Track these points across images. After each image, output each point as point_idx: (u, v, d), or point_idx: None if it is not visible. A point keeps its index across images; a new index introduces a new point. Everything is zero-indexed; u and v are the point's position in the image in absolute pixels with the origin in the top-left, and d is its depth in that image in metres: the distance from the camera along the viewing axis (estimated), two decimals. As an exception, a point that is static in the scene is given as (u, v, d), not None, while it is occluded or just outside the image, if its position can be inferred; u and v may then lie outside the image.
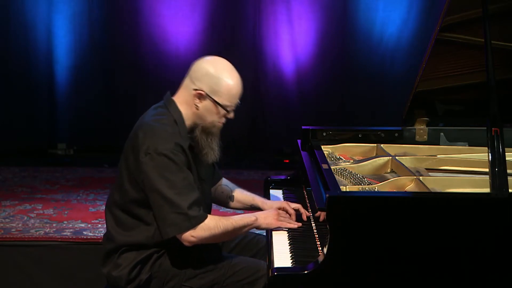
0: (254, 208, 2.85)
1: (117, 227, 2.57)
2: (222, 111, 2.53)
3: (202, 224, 2.43)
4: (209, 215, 2.49)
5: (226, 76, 2.52)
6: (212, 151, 2.57)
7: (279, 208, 2.73)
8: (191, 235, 2.42)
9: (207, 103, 2.52)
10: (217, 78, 2.50)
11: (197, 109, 2.53)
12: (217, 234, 2.46)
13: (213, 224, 2.45)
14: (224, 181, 2.96)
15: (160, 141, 2.43)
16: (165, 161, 2.41)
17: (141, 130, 2.49)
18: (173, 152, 2.42)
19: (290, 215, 2.70)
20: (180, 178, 2.42)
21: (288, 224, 2.60)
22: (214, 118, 2.54)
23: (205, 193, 2.67)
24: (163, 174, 2.41)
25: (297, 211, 2.74)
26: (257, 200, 2.88)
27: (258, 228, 2.61)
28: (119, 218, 2.57)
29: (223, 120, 2.57)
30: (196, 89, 2.51)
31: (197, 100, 2.52)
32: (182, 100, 2.56)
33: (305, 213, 2.72)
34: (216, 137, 2.58)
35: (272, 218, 2.60)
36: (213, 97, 2.50)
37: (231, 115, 2.57)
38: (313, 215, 2.69)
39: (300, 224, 2.63)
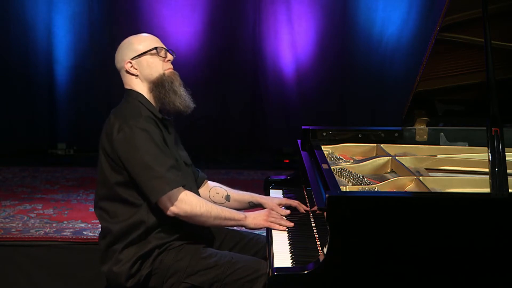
0: (254, 206, 2.87)
1: (110, 219, 2.60)
2: (155, 56, 2.65)
3: (185, 197, 2.48)
4: (194, 194, 2.55)
5: (132, 38, 2.72)
6: (179, 97, 2.66)
7: (278, 204, 2.78)
8: (174, 206, 2.47)
9: (138, 63, 2.66)
10: (127, 43, 2.70)
11: (138, 76, 2.66)
12: (198, 212, 2.51)
13: (196, 201, 2.52)
14: (212, 183, 2.98)
15: (129, 117, 2.54)
16: (137, 132, 2.49)
17: (111, 115, 2.62)
18: (143, 123, 2.51)
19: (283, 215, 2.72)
20: (154, 145, 2.50)
21: (277, 226, 2.61)
22: (157, 68, 2.66)
23: (188, 174, 2.73)
24: (137, 145, 2.48)
25: (295, 208, 2.77)
26: (256, 196, 2.90)
27: (246, 227, 2.65)
28: (109, 209, 2.60)
29: (168, 65, 2.68)
30: (125, 64, 2.67)
31: (133, 70, 2.66)
32: (130, 83, 2.69)
33: (302, 209, 2.76)
34: (173, 82, 2.66)
35: (261, 219, 2.63)
36: (136, 55, 2.65)
37: (168, 56, 2.69)
38: (313, 215, 2.69)
39: (291, 224, 2.62)
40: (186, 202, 2.49)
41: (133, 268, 2.53)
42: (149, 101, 2.65)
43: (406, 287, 2.07)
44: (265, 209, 2.73)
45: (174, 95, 2.64)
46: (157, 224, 2.56)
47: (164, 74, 2.65)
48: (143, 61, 2.66)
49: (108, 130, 2.56)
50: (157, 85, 2.64)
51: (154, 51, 2.66)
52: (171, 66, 2.70)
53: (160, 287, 2.56)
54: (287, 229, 2.59)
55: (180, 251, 2.57)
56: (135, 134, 2.49)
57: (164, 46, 2.70)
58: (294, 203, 2.82)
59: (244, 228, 2.69)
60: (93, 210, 4.60)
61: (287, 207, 2.81)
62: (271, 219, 2.63)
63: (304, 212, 2.75)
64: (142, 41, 2.68)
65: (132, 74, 2.66)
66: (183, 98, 2.66)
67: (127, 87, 2.70)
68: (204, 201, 2.57)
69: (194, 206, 2.50)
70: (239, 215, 2.61)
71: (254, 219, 2.62)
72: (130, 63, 2.66)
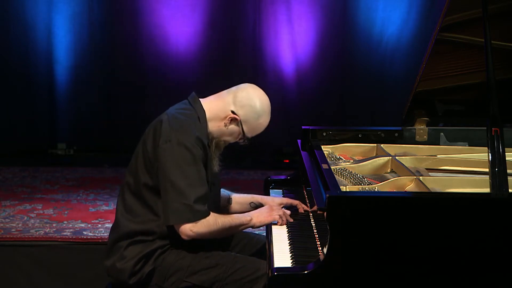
0: (255, 207, 2.88)
1: (126, 213, 2.61)
2: (240, 137, 2.65)
3: (203, 220, 2.48)
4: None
5: (263, 116, 2.64)
6: (215, 162, 2.66)
7: (279, 204, 2.80)
8: (190, 229, 2.47)
9: (235, 127, 2.62)
10: (257, 115, 2.62)
11: (225, 127, 2.62)
12: (215, 231, 2.52)
13: (212, 221, 2.51)
14: None
15: (182, 132, 2.51)
16: (183, 152, 2.47)
17: (165, 118, 2.57)
18: (192, 144, 2.49)
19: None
20: (194, 170, 2.49)
21: (277, 217, 2.65)
22: (231, 140, 2.67)
23: (215, 195, 2.73)
24: (179, 164, 2.47)
25: (295, 209, 2.80)
26: (257, 197, 2.94)
27: (253, 227, 2.66)
28: (129, 203, 2.61)
29: (234, 141, 2.69)
30: (234, 112, 2.60)
31: (228, 121, 2.61)
32: (212, 108, 2.64)
33: (302, 208, 2.79)
34: (220, 150, 2.68)
35: (264, 216, 2.65)
36: (243, 125, 2.61)
37: (244, 141, 2.69)
38: (313, 215, 2.69)
39: (290, 219, 2.67)
40: (204, 224, 2.49)
41: (136, 266, 2.54)
42: (206, 122, 2.62)
43: (406, 286, 2.07)
44: (266, 206, 2.75)
45: (214, 160, 2.65)
46: (167, 234, 2.57)
47: (225, 144, 2.67)
48: (237, 130, 2.63)
49: (157, 131, 2.54)
50: (216, 143, 2.64)
51: (245, 136, 2.65)
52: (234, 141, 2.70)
53: (161, 285, 2.57)
54: (287, 229, 2.60)
55: (183, 250, 2.59)
56: (181, 152, 2.47)
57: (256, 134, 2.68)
58: (295, 202, 2.84)
59: (251, 228, 2.70)
60: (93, 210, 4.66)
61: (288, 207, 2.81)
62: (273, 214, 2.65)
63: (304, 212, 2.75)
64: (255, 129, 2.65)
65: (224, 118, 2.61)
66: (217, 165, 2.67)
67: (204, 99, 2.67)
68: (217, 216, 2.56)
69: (211, 226, 2.51)
70: (245, 218, 2.62)
71: (258, 217, 2.65)
72: (236, 120, 2.61)
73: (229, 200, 2.94)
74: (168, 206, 2.47)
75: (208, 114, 2.63)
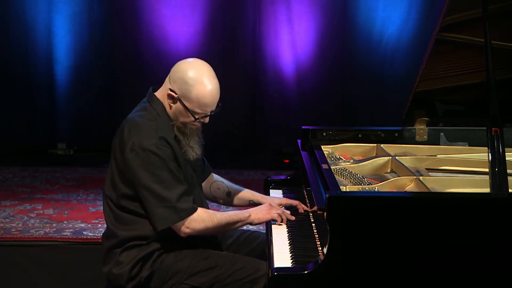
0: (253, 205, 2.88)
1: (116, 223, 2.59)
2: (195, 115, 2.54)
3: (196, 216, 2.48)
4: (203, 209, 2.53)
5: (200, 84, 2.50)
6: (191, 149, 2.60)
7: (279, 205, 2.79)
8: (186, 227, 2.47)
9: (178, 105, 2.54)
10: (191, 85, 2.50)
11: (170, 108, 2.57)
12: (211, 226, 2.52)
13: (206, 216, 2.51)
14: (216, 176, 2.97)
15: (144, 137, 2.47)
16: (150, 157, 2.45)
17: (126, 126, 2.55)
18: (157, 146, 2.46)
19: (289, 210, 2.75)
20: (166, 172, 2.46)
21: (275, 215, 2.64)
22: (186, 120, 2.56)
23: (195, 185, 2.70)
24: (149, 170, 2.45)
25: (295, 209, 2.79)
26: (256, 195, 2.92)
27: (251, 224, 2.66)
28: (116, 214, 2.59)
29: (199, 123, 2.58)
30: (171, 89, 2.54)
31: (170, 100, 2.55)
32: (161, 95, 2.60)
33: (302, 208, 2.78)
34: (192, 136, 2.59)
35: (262, 214, 2.65)
36: (183, 101, 2.52)
37: (205, 120, 2.58)
38: (313, 215, 2.69)
39: (292, 218, 2.66)
40: (198, 221, 2.49)
41: (133, 271, 2.53)
42: (167, 115, 2.57)
43: (406, 286, 2.07)
44: (265, 204, 2.74)
45: (188, 148, 2.59)
46: (161, 236, 2.55)
47: (187, 127, 2.57)
48: (181, 108, 2.53)
49: (121, 142, 2.53)
50: (179, 128, 2.57)
51: (197, 116, 2.53)
52: (199, 124, 2.60)
53: None
54: (287, 229, 2.60)
55: (181, 252, 2.58)
56: (148, 158, 2.45)
57: (213, 109, 2.54)
58: (295, 202, 2.83)
59: (249, 225, 2.70)
60: (93, 210, 4.65)
61: (287, 207, 2.81)
62: (272, 212, 2.65)
63: (304, 212, 2.76)
64: (198, 101, 2.49)
65: (170, 105, 2.56)
66: (194, 151, 2.60)
67: (157, 92, 2.62)
68: (213, 212, 2.56)
69: (207, 222, 2.51)
70: (243, 214, 2.62)
71: (256, 214, 2.64)
72: (173, 97, 2.53)
73: (228, 193, 2.93)
74: (153, 214, 2.46)
75: (164, 102, 2.58)
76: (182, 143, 2.58)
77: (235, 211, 2.65)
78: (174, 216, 2.45)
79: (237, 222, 2.60)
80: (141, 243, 2.55)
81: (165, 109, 2.58)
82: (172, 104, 2.55)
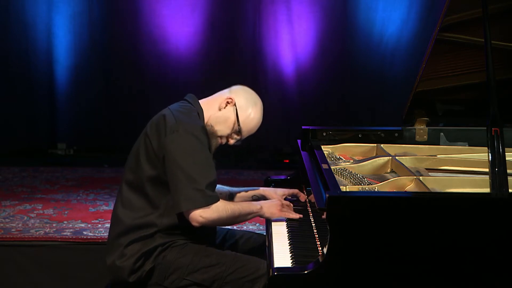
0: (256, 199, 2.91)
1: (123, 209, 2.61)
2: (235, 127, 2.66)
3: (212, 206, 2.49)
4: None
5: (256, 111, 2.72)
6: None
7: (282, 195, 2.86)
8: (200, 215, 2.48)
9: (230, 111, 2.66)
10: (251, 105, 2.70)
11: (219, 110, 2.67)
12: (224, 217, 2.53)
13: (222, 206, 2.53)
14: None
15: (188, 122, 2.55)
16: (192, 139, 2.51)
17: (167, 112, 2.60)
18: (199, 132, 2.54)
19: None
20: (203, 156, 2.52)
21: (290, 214, 2.68)
22: (223, 130, 2.67)
23: None
24: (188, 151, 2.50)
25: (296, 198, 2.88)
26: (258, 189, 2.96)
27: (262, 216, 2.69)
28: (128, 199, 2.61)
29: (225, 141, 2.70)
30: (229, 97, 2.67)
31: (224, 105, 2.67)
32: (208, 102, 2.71)
33: (303, 196, 2.86)
34: (213, 144, 2.67)
35: (275, 209, 2.68)
36: (238, 110, 2.65)
37: (233, 140, 2.70)
38: (313, 215, 2.69)
39: (301, 215, 2.69)
40: (213, 210, 2.50)
41: (136, 264, 2.55)
42: (204, 118, 2.67)
43: (406, 287, 2.07)
44: (276, 199, 2.77)
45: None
46: (166, 227, 2.58)
47: (217, 138, 2.67)
48: (231, 115, 2.67)
49: (161, 124, 2.56)
50: (210, 133, 2.65)
51: (238, 129, 2.68)
52: (225, 141, 2.71)
53: (161, 283, 2.57)
54: (287, 229, 2.60)
55: (183, 248, 2.59)
56: (189, 140, 2.50)
57: (243, 136, 2.72)
58: (295, 191, 2.91)
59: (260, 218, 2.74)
60: (93, 210, 4.66)
61: (289, 199, 2.87)
62: (283, 209, 2.68)
63: (304, 200, 2.84)
64: (249, 120, 2.69)
65: (220, 102, 2.68)
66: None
67: (202, 100, 2.72)
68: (226, 202, 2.59)
69: (221, 212, 2.52)
70: (255, 206, 2.65)
71: (269, 208, 2.67)
72: (232, 103, 2.67)
73: (230, 195, 2.94)
74: (180, 193, 2.47)
75: (205, 110, 2.68)
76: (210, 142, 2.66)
77: (247, 202, 2.71)
78: (201, 200, 2.46)
79: (249, 213, 2.62)
80: (146, 234, 2.56)
81: (203, 111, 2.67)
82: (223, 108, 2.67)
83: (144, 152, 2.58)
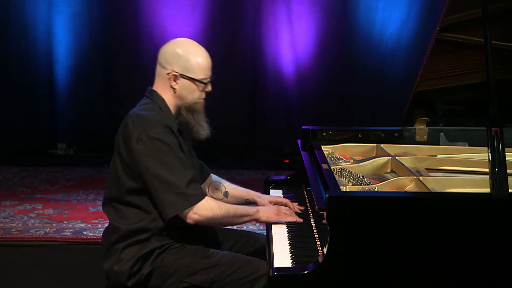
0: (249, 203, 2.90)
1: (118, 218, 2.60)
2: (200, 86, 2.61)
3: (204, 203, 2.49)
4: (211, 198, 2.57)
5: (193, 52, 2.61)
6: (201, 127, 2.65)
7: (275, 203, 2.83)
8: (194, 213, 2.47)
9: (183, 82, 2.60)
10: (186, 57, 2.59)
11: (175, 91, 2.60)
12: (218, 215, 2.53)
13: (215, 205, 2.53)
14: (214, 177, 2.99)
15: (149, 126, 2.50)
16: (157, 144, 2.47)
17: (129, 120, 2.56)
18: (163, 134, 2.49)
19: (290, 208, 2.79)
20: (174, 158, 2.49)
21: (288, 218, 2.67)
22: (194, 95, 2.62)
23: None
24: (157, 157, 2.47)
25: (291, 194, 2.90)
26: (252, 194, 2.95)
27: (258, 220, 2.68)
28: (119, 210, 2.60)
29: (203, 95, 2.65)
30: (169, 73, 2.59)
31: (173, 82, 2.60)
32: (160, 86, 2.63)
33: (293, 207, 2.81)
34: (201, 113, 2.65)
35: (272, 213, 2.67)
36: (187, 74, 2.59)
37: (209, 88, 2.65)
38: (313, 215, 2.69)
39: (301, 220, 2.67)
40: (207, 208, 2.50)
41: (134, 268, 2.53)
42: (169, 109, 2.61)
43: (406, 287, 2.07)
44: (274, 206, 2.77)
45: (199, 126, 2.64)
46: (162, 229, 2.57)
47: (197, 102, 2.63)
48: (187, 83, 2.59)
49: (126, 136, 2.53)
50: (188, 109, 2.62)
51: (205, 81, 2.61)
52: (204, 96, 2.66)
53: (160, 286, 2.56)
54: (287, 229, 2.60)
55: (181, 250, 2.58)
56: (155, 146, 2.47)
57: (211, 74, 2.64)
58: (284, 201, 2.87)
59: (256, 221, 2.73)
60: (93, 210, 4.65)
61: (286, 195, 2.90)
62: (281, 213, 2.67)
63: (299, 210, 2.79)
64: (200, 67, 2.59)
65: (168, 83, 2.60)
66: (205, 130, 2.65)
67: (154, 87, 2.65)
68: (221, 202, 2.59)
69: (215, 210, 2.52)
70: (252, 209, 2.65)
71: (266, 212, 2.67)
72: (175, 76, 2.59)
73: (226, 193, 2.94)
74: (163, 201, 2.47)
75: (163, 95, 2.61)
76: (192, 123, 2.62)
77: (243, 205, 2.69)
78: (184, 202, 2.46)
79: (245, 215, 2.62)
80: (143, 238, 2.55)
81: (166, 102, 2.61)
82: (176, 86, 2.59)
83: (120, 167, 2.56)
